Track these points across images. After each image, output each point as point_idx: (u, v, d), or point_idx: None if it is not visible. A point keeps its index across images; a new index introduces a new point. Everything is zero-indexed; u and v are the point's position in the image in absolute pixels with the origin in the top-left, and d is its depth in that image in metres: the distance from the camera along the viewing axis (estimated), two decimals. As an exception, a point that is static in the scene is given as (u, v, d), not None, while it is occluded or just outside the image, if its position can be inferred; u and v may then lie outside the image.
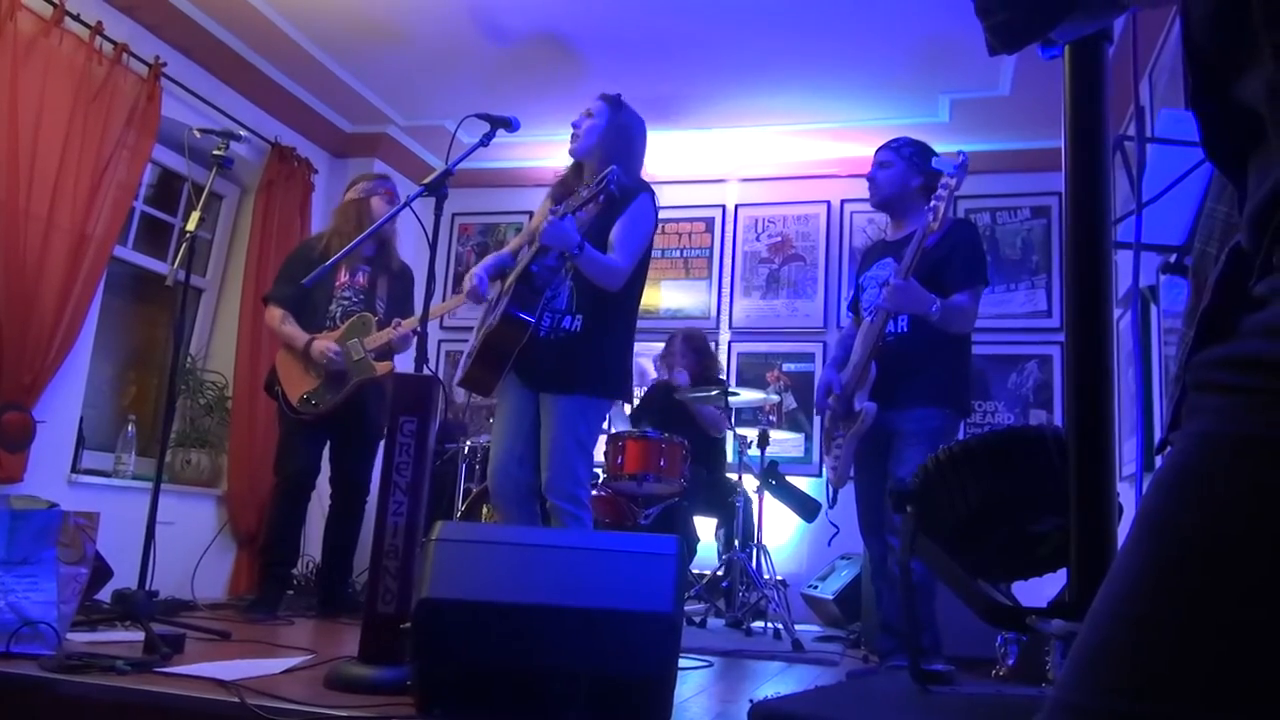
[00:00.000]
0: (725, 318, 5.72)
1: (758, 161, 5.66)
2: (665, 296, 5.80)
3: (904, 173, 3.17)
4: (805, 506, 4.69)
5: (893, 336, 3.05)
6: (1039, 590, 1.90)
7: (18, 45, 3.61)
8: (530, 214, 3.46)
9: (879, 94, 4.84)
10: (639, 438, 4.25)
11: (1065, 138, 1.48)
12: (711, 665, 3.05)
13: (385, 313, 4.02)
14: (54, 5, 3.79)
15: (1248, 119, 0.62)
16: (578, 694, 1.74)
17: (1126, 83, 3.26)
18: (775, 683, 2.74)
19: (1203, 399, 0.57)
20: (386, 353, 3.95)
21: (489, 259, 3.14)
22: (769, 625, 4.10)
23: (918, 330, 3.01)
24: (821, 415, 3.38)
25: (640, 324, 3.13)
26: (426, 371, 2.37)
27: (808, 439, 5.39)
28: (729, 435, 4.78)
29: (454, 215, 6.13)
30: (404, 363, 3.18)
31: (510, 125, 2.73)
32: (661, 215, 3.12)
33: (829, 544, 4.30)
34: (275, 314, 3.98)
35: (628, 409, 4.71)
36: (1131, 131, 2.33)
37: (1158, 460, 0.65)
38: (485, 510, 4.32)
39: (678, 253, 5.87)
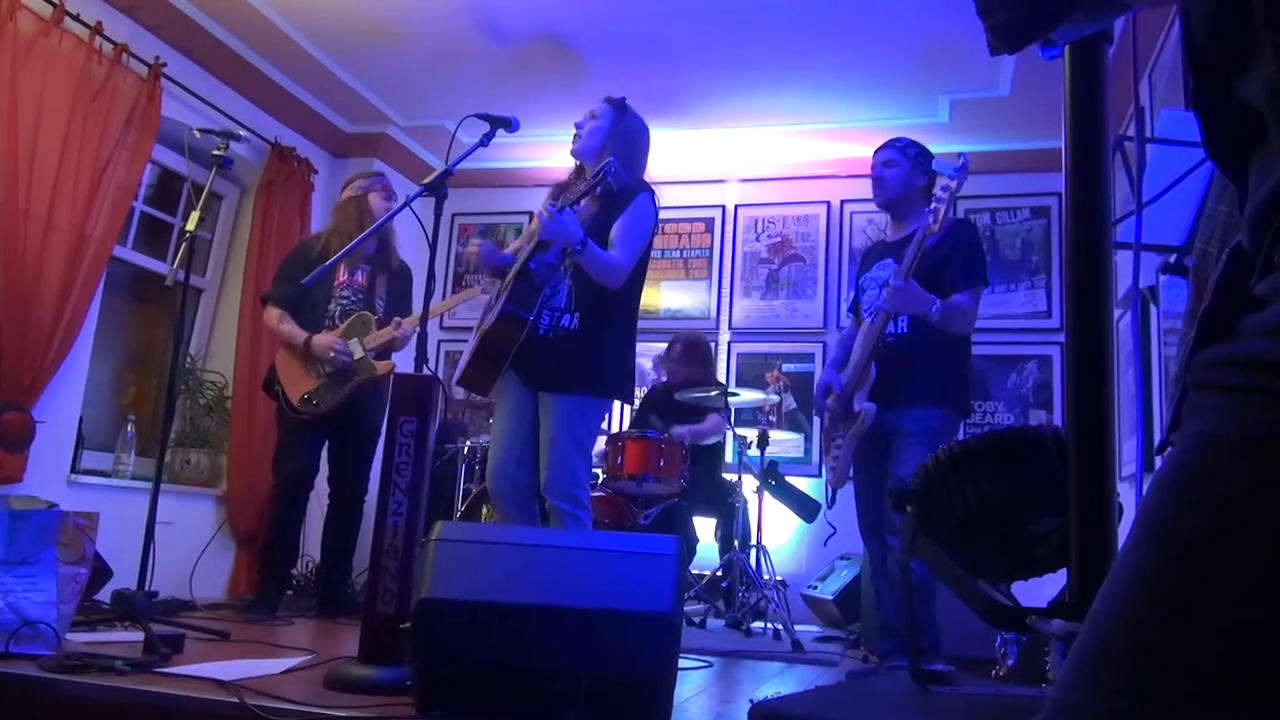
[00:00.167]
0: (725, 318, 5.71)
1: (757, 162, 5.66)
2: (665, 297, 5.80)
3: (909, 173, 3.18)
4: (805, 507, 4.69)
5: (893, 337, 3.05)
6: (1039, 590, 1.90)
7: (17, 45, 3.61)
8: (530, 214, 3.46)
9: (879, 94, 4.84)
10: (638, 438, 4.25)
11: (1065, 138, 1.48)
12: (711, 665, 3.05)
13: (384, 311, 4.02)
14: (54, 5, 3.78)
15: (1248, 119, 0.62)
16: (577, 694, 1.74)
17: (1126, 83, 3.27)
18: (775, 683, 2.74)
19: (1203, 399, 0.57)
20: (386, 352, 3.95)
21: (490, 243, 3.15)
22: (769, 626, 4.10)
23: (918, 331, 3.01)
24: (820, 416, 3.38)
25: (640, 324, 3.12)
26: (426, 371, 2.37)
27: (807, 439, 5.39)
28: (729, 435, 4.78)
29: (454, 215, 6.13)
30: (404, 363, 3.17)
31: (510, 125, 2.73)
32: (661, 215, 3.12)
33: (826, 544, 4.31)
34: (273, 314, 3.97)
35: (627, 410, 4.72)
36: (1131, 132, 2.33)
37: (1158, 460, 0.65)
38: (485, 510, 4.32)
39: (677, 253, 5.87)
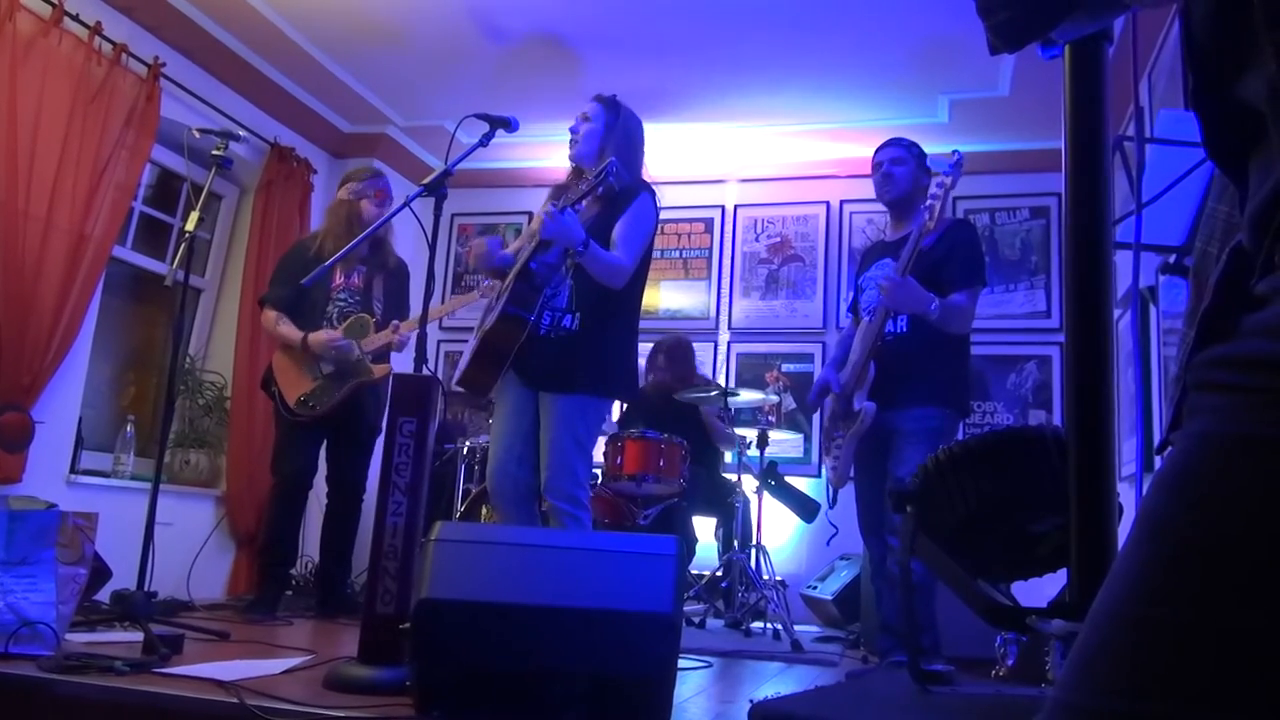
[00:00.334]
0: (724, 318, 5.71)
1: (757, 162, 5.66)
2: (664, 297, 5.80)
3: (915, 171, 3.20)
4: (804, 507, 4.69)
5: (892, 336, 3.05)
6: (1039, 590, 1.90)
7: (17, 45, 3.61)
8: (530, 214, 3.46)
9: (878, 94, 4.84)
10: (638, 438, 4.25)
11: (1065, 138, 1.47)
12: (711, 666, 3.04)
13: (382, 313, 4.02)
14: (53, 5, 3.78)
15: (1249, 118, 0.62)
16: (577, 694, 1.74)
17: (1126, 83, 3.27)
18: (775, 683, 2.73)
19: (1203, 399, 0.57)
20: (384, 355, 3.95)
21: (492, 238, 3.14)
22: (768, 626, 4.10)
23: (917, 330, 3.01)
24: (818, 413, 3.38)
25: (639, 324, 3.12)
26: (426, 372, 2.37)
27: (807, 439, 5.39)
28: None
29: (453, 215, 6.13)
30: (403, 363, 3.17)
31: (509, 125, 2.72)
32: (661, 216, 3.12)
33: (828, 544, 4.31)
34: (270, 316, 3.97)
35: (617, 412, 4.71)
36: (1131, 132, 2.33)
37: (1158, 460, 0.64)
38: (484, 510, 4.32)
39: (677, 253, 5.87)
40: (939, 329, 2.97)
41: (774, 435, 4.86)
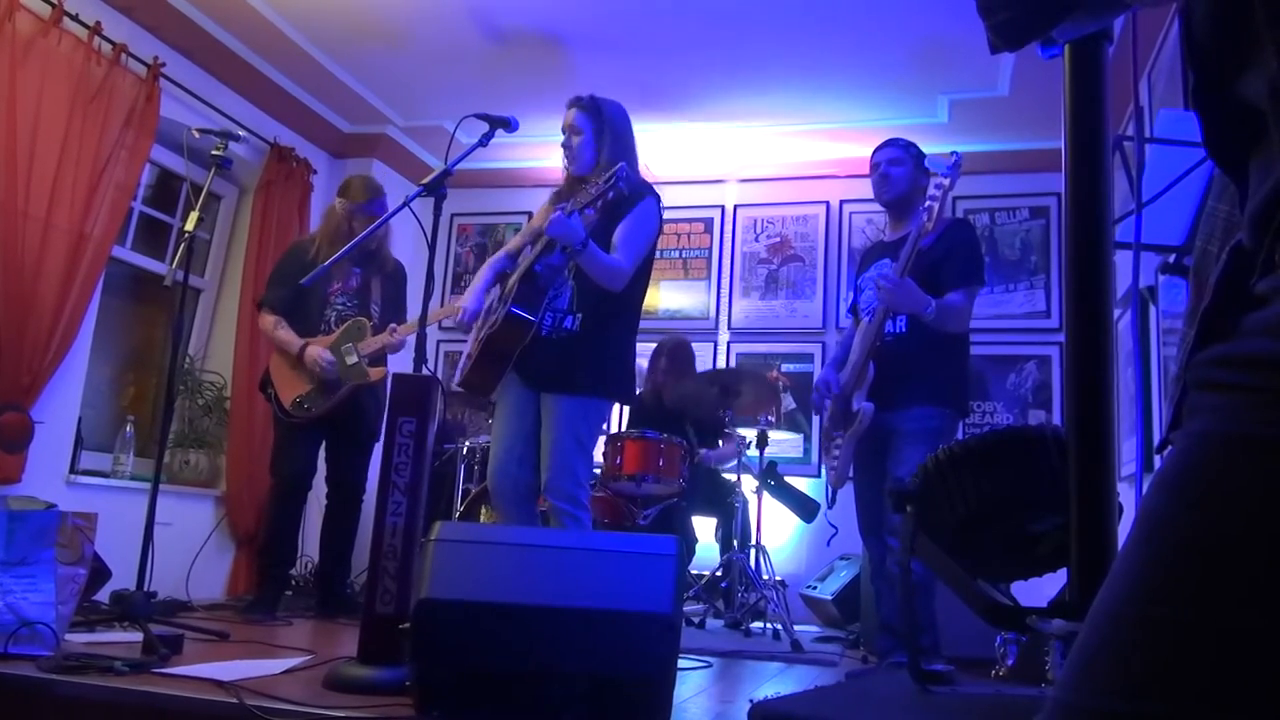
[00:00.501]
0: (724, 318, 5.71)
1: (756, 162, 5.66)
2: (664, 297, 5.80)
3: (914, 171, 3.20)
4: (804, 507, 4.69)
5: (891, 337, 3.05)
6: (1039, 590, 1.90)
7: (16, 45, 3.61)
8: (529, 214, 3.45)
9: (878, 94, 4.84)
10: (638, 438, 4.25)
11: (1065, 138, 1.47)
12: (710, 666, 3.04)
13: (380, 315, 4.02)
14: (52, 5, 3.78)
15: (1249, 117, 0.62)
16: (577, 695, 1.74)
17: (1126, 83, 3.27)
18: (774, 683, 2.73)
19: (1203, 398, 0.57)
20: (380, 358, 3.94)
21: (483, 276, 3.09)
22: (768, 626, 4.10)
23: (916, 330, 3.01)
24: (820, 412, 3.38)
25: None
26: (425, 372, 2.37)
27: (807, 439, 5.39)
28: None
29: (453, 216, 6.12)
30: (403, 363, 3.17)
31: (509, 125, 2.72)
32: (663, 217, 3.11)
33: (828, 544, 4.31)
34: (268, 319, 3.97)
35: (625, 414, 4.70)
36: (1131, 131, 2.33)
37: (1157, 460, 0.64)
38: (484, 510, 4.32)
39: (676, 253, 5.87)
40: (937, 328, 2.97)
41: (774, 435, 4.86)
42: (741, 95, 4.93)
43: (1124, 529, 0.93)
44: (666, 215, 3.19)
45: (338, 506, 4.03)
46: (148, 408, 4.76)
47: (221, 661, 2.27)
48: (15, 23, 3.61)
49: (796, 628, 3.83)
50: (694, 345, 5.09)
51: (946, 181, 2.99)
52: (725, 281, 5.76)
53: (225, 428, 4.79)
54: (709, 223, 5.87)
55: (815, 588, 4.59)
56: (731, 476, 4.65)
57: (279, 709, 1.78)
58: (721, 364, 5.57)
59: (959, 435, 3.18)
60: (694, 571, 4.53)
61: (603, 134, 2.96)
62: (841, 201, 5.62)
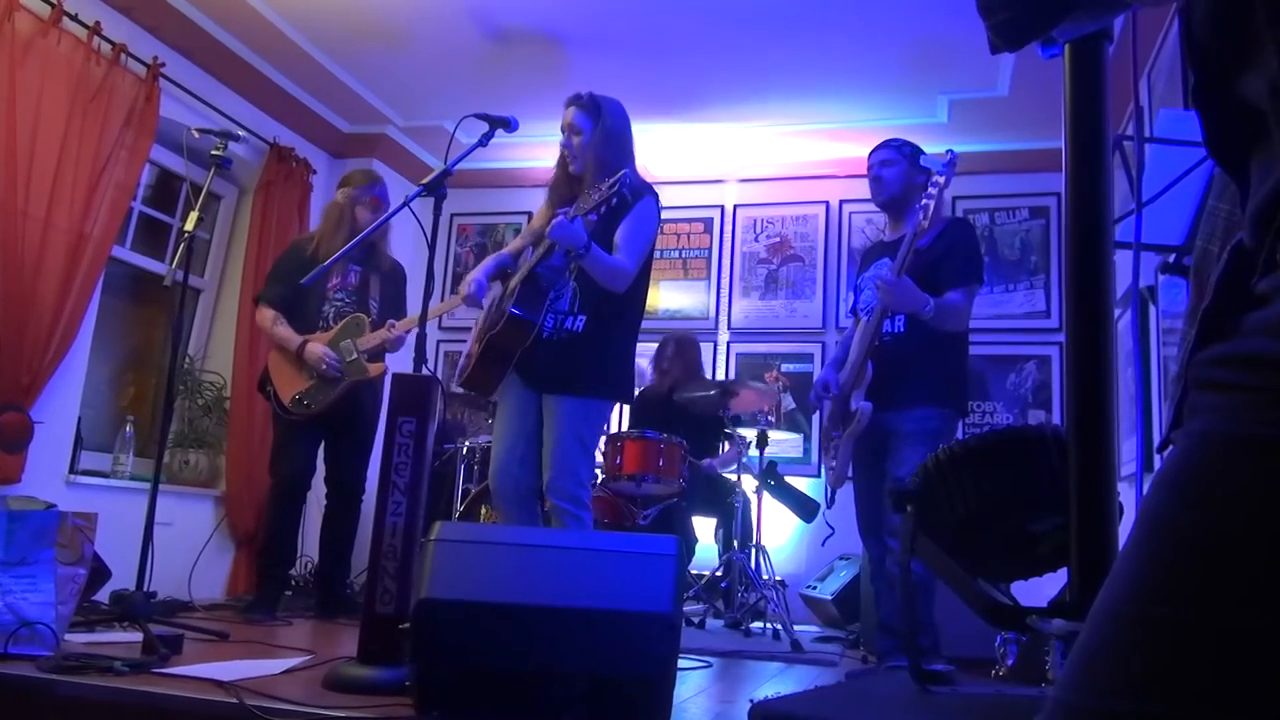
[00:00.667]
0: (724, 318, 5.71)
1: (756, 162, 5.66)
2: (664, 297, 5.79)
3: (907, 171, 3.19)
4: (804, 507, 4.69)
5: (890, 336, 3.05)
6: (1039, 590, 1.90)
7: (15, 45, 3.61)
8: (529, 214, 3.45)
9: (878, 94, 4.84)
10: (638, 438, 4.25)
11: (1065, 138, 1.47)
12: (710, 666, 3.05)
13: (378, 313, 4.02)
14: (52, 5, 3.78)
15: (1250, 116, 0.62)
16: (576, 695, 1.74)
17: (1126, 83, 3.26)
18: (774, 683, 2.73)
19: (1204, 397, 0.57)
20: (379, 354, 3.94)
21: (488, 262, 3.12)
22: (768, 626, 4.10)
23: (914, 330, 3.01)
24: (819, 411, 3.38)
25: (638, 324, 3.11)
26: (425, 371, 2.37)
27: (806, 439, 5.39)
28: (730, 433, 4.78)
29: (452, 215, 6.12)
30: (403, 363, 3.17)
31: (509, 125, 2.72)
32: (661, 216, 3.11)
33: (822, 545, 4.31)
34: (267, 315, 3.97)
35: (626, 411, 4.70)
36: (1131, 131, 2.33)
37: (1158, 460, 0.64)
38: (484, 510, 4.32)
39: (676, 253, 5.87)
40: (936, 328, 2.97)
41: (773, 435, 4.86)
42: (741, 95, 4.93)
43: (1124, 529, 0.93)
44: (666, 215, 3.19)
45: (337, 506, 4.03)
46: (147, 408, 4.76)
47: (221, 661, 2.27)
48: (15, 23, 3.61)
49: (796, 628, 3.83)
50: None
51: (942, 180, 2.99)
52: (725, 281, 5.76)
53: (225, 428, 4.79)
54: (709, 223, 5.87)
55: (815, 588, 4.59)
56: (731, 476, 4.65)
57: (279, 709, 1.78)
58: (721, 364, 5.57)
59: (958, 435, 3.18)
60: (694, 571, 4.53)
61: (604, 137, 2.94)
62: (841, 201, 5.62)
